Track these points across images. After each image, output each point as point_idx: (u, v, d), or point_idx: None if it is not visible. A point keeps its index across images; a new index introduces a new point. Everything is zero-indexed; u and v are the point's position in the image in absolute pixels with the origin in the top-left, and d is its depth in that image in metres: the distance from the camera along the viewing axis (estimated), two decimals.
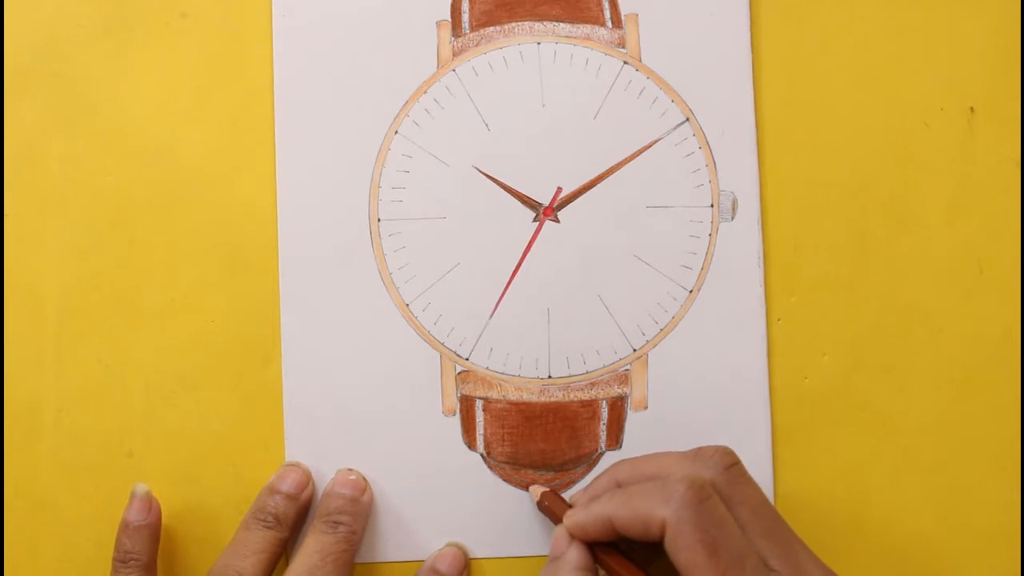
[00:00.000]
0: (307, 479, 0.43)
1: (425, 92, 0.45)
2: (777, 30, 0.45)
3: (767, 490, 0.43)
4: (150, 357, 0.45)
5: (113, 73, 0.45)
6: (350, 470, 0.44)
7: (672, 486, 0.37)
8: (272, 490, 0.43)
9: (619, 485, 0.40)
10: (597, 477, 0.42)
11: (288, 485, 0.43)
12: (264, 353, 0.44)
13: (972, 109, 0.45)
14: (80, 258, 0.45)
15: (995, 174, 0.45)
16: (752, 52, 0.45)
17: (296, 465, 0.44)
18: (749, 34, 0.45)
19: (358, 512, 0.43)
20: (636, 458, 0.41)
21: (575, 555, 0.39)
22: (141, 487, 0.43)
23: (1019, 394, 0.44)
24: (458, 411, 0.44)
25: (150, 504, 0.42)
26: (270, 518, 0.42)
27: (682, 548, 0.36)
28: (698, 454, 0.39)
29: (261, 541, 0.41)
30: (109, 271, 0.45)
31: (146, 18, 0.45)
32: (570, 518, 0.40)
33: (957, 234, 0.45)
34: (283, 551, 0.42)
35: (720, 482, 0.38)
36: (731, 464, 0.39)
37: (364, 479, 0.44)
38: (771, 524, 0.38)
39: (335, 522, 0.42)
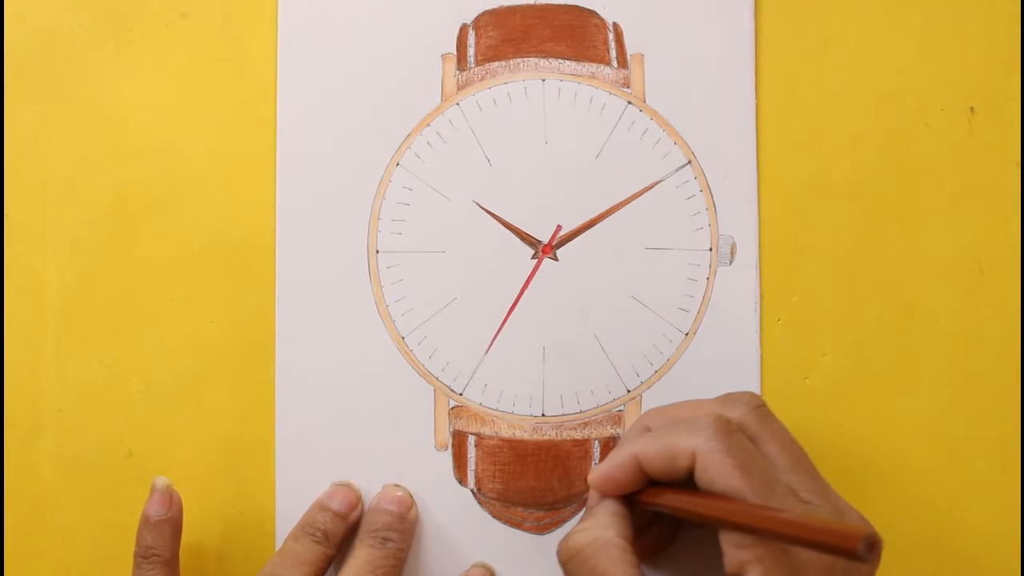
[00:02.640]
0: (357, 499, 0.43)
1: (428, 125, 0.45)
2: (777, 29, 0.45)
3: None
4: (150, 357, 0.45)
5: (113, 73, 0.45)
6: (396, 486, 0.44)
7: (700, 420, 0.37)
8: (322, 507, 0.43)
9: (650, 431, 0.41)
10: (630, 427, 0.43)
11: (338, 503, 0.43)
12: (264, 353, 0.44)
13: (972, 109, 0.45)
14: (80, 258, 0.45)
15: (995, 174, 0.45)
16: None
17: (347, 485, 0.44)
18: (754, 78, 0.45)
19: (405, 529, 0.43)
20: (666, 405, 0.42)
21: (608, 503, 0.39)
22: (161, 480, 0.42)
23: (1019, 394, 0.44)
24: (450, 446, 0.44)
25: (171, 498, 0.42)
26: (319, 533, 0.42)
27: (715, 474, 0.36)
28: (726, 397, 0.40)
29: (309, 553, 0.41)
30: (109, 271, 0.45)
31: (146, 18, 0.45)
32: (594, 472, 0.40)
33: (957, 234, 0.45)
34: (327, 568, 0.42)
35: (748, 420, 0.39)
36: (759, 405, 0.39)
37: (410, 495, 0.44)
38: (800, 459, 0.38)
39: (384, 538, 0.42)
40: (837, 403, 0.44)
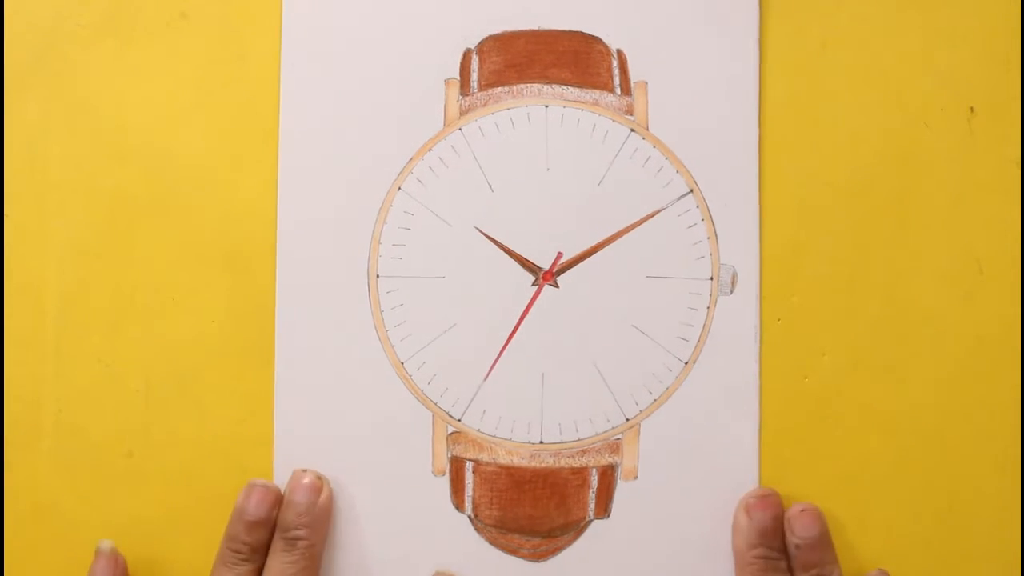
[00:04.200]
0: (275, 500, 0.42)
1: (430, 150, 0.45)
2: (777, 30, 0.45)
3: None
4: (150, 357, 0.45)
5: (113, 73, 0.45)
6: (304, 471, 0.43)
7: None
8: (240, 518, 0.42)
9: None
10: None
11: (252, 512, 0.42)
12: (264, 353, 0.44)
13: (972, 109, 0.45)
14: (80, 258, 0.45)
15: (995, 174, 0.45)
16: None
17: (263, 485, 0.42)
18: (758, 107, 0.44)
19: (316, 518, 0.42)
20: None
21: None
22: (106, 544, 0.42)
23: (1019, 394, 0.44)
24: (448, 472, 0.44)
25: (116, 561, 0.42)
26: (244, 548, 0.41)
27: None
28: None
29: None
30: (109, 271, 0.45)
31: (146, 18, 0.45)
32: None
33: (957, 234, 0.45)
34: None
35: None
36: None
37: (320, 477, 0.43)
38: None
39: (293, 539, 0.41)
40: (837, 403, 0.44)
